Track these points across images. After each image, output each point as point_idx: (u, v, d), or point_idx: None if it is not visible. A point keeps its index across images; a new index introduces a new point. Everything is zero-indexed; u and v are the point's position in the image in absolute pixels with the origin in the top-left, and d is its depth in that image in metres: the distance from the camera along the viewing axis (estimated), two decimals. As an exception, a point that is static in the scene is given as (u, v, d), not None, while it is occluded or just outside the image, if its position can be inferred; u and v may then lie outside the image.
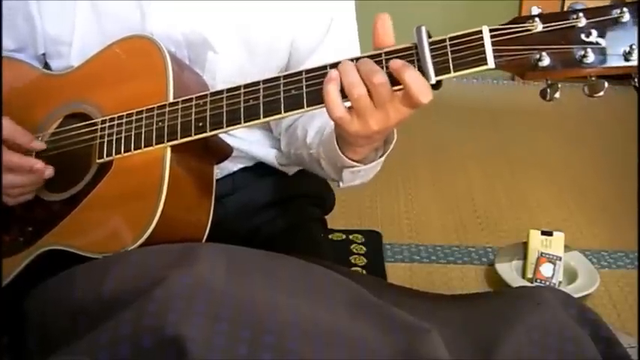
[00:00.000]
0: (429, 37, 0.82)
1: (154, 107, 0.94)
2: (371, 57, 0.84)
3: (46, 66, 1.13)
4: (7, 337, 0.91)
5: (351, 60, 0.84)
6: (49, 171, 0.98)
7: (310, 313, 0.78)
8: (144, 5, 1.03)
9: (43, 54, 1.12)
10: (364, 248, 1.92)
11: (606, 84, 0.80)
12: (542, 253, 1.74)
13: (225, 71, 1.06)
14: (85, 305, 0.79)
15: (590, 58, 0.79)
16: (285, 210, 1.20)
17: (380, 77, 0.81)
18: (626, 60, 0.78)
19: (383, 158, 0.95)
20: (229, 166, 1.14)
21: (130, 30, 1.02)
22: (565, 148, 2.55)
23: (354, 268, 1.80)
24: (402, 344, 0.78)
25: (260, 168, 1.19)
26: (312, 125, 1.06)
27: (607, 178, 2.33)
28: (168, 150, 0.93)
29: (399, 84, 0.82)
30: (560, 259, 1.73)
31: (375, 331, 0.79)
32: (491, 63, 0.81)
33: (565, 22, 0.80)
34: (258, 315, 0.75)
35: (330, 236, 1.83)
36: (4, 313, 0.90)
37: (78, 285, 0.82)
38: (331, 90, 0.83)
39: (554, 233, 1.78)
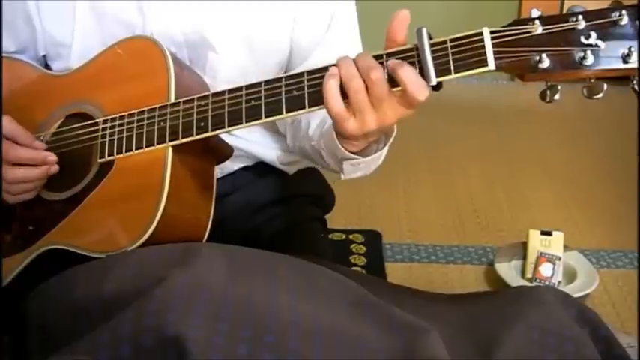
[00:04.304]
0: (430, 38, 0.83)
1: (155, 107, 0.95)
2: (373, 57, 0.84)
3: (47, 67, 1.13)
4: (7, 337, 0.91)
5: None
6: (54, 168, 0.99)
7: (310, 312, 0.78)
8: (144, 6, 1.04)
9: (44, 55, 1.12)
10: (364, 248, 1.92)
11: (605, 86, 0.81)
12: (541, 252, 1.74)
13: (226, 71, 1.07)
14: (85, 305, 0.80)
15: (590, 60, 0.80)
16: (285, 210, 1.20)
17: (378, 73, 0.82)
18: (625, 62, 0.79)
19: (384, 151, 0.96)
20: (229, 166, 1.14)
21: (130, 31, 1.02)
22: (564, 148, 2.55)
23: (354, 268, 1.79)
24: (401, 344, 0.78)
25: (260, 167, 1.19)
26: (315, 118, 1.06)
27: (606, 177, 2.33)
28: (170, 150, 0.93)
29: (398, 85, 0.82)
30: (560, 258, 1.73)
31: (375, 331, 0.79)
32: (491, 64, 0.82)
33: (565, 24, 0.80)
34: (258, 314, 0.75)
35: (330, 236, 1.82)
36: (4, 313, 0.90)
37: (78, 285, 0.82)
38: (331, 85, 0.84)
39: (554, 233, 1.77)
